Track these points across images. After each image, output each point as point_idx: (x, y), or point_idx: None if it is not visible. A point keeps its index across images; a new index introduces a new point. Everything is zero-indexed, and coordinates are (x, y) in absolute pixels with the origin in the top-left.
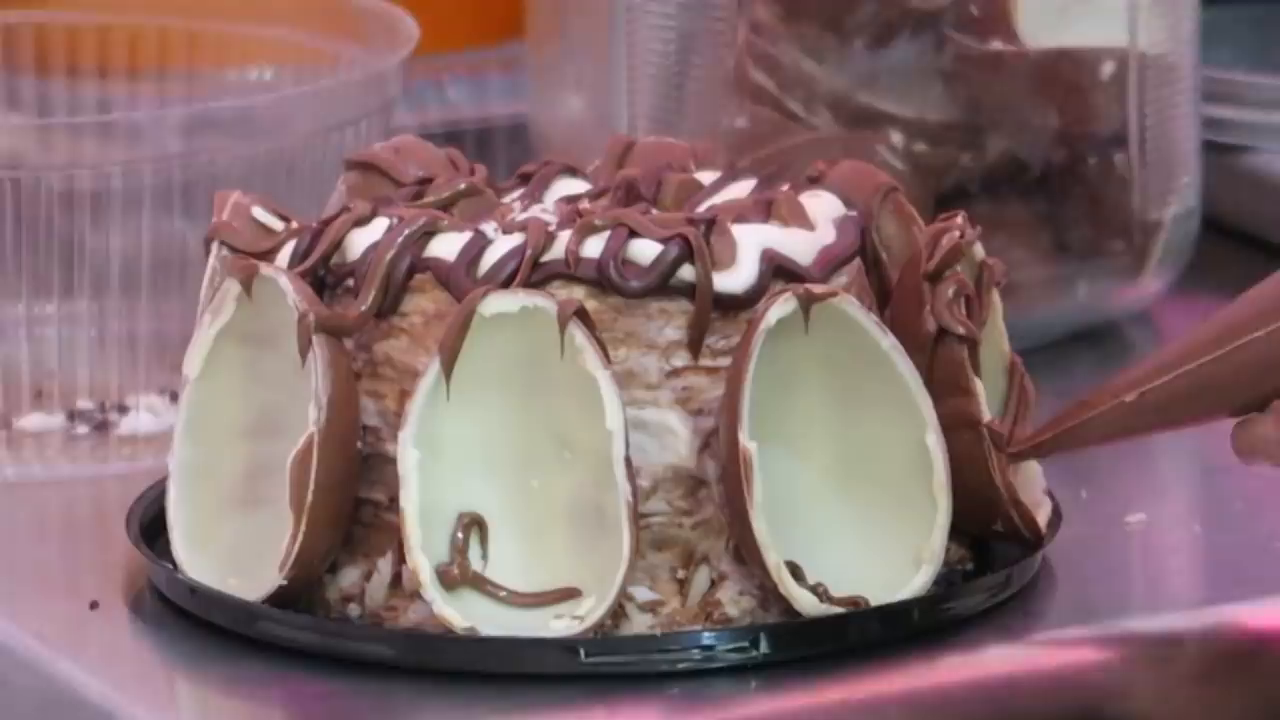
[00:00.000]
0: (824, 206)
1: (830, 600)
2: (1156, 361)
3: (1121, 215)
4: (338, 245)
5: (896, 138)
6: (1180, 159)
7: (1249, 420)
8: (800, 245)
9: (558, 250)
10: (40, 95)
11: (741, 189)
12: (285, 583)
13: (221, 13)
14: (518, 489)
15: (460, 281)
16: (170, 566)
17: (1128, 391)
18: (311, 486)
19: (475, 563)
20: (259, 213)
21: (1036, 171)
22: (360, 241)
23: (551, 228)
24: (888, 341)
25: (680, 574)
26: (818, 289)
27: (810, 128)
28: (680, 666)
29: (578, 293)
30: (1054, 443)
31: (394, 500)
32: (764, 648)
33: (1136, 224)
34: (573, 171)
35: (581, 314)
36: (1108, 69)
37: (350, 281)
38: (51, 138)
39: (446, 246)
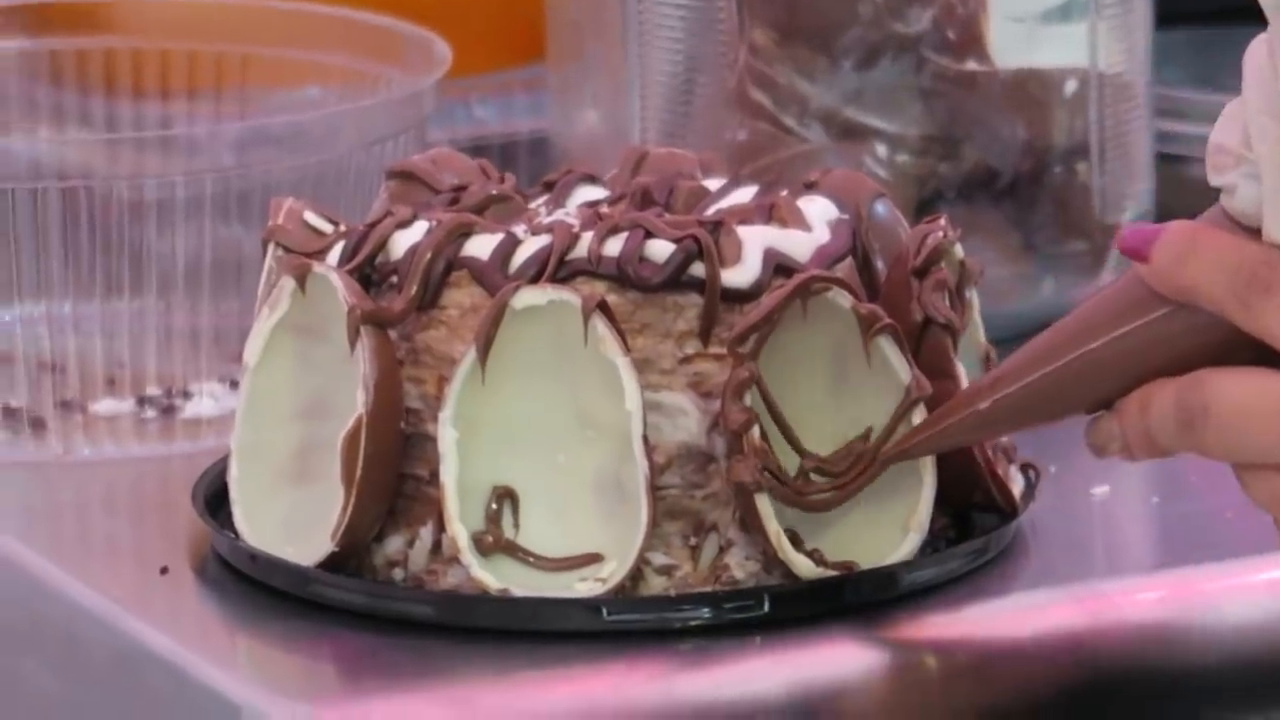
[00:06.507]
0: (819, 210)
1: (825, 565)
2: (1010, 367)
3: (1083, 219)
4: (382, 245)
5: (881, 149)
6: (1136, 168)
7: (1097, 419)
8: (799, 244)
9: (581, 249)
10: (109, 113)
11: (744, 195)
12: (336, 549)
13: (273, 38)
14: (546, 464)
15: (494, 277)
16: (232, 535)
17: (982, 399)
18: (360, 462)
19: (508, 531)
20: (310, 217)
21: (1007, 180)
22: (403, 242)
23: (575, 229)
24: None
25: (692, 541)
26: (816, 282)
27: (803, 140)
28: (692, 624)
29: (600, 287)
30: (920, 447)
31: (434, 475)
32: (767, 607)
33: (1097, 227)
34: (592, 179)
35: (603, 307)
36: (1070, 87)
37: (394, 278)
38: (120, 152)
39: (481, 246)
